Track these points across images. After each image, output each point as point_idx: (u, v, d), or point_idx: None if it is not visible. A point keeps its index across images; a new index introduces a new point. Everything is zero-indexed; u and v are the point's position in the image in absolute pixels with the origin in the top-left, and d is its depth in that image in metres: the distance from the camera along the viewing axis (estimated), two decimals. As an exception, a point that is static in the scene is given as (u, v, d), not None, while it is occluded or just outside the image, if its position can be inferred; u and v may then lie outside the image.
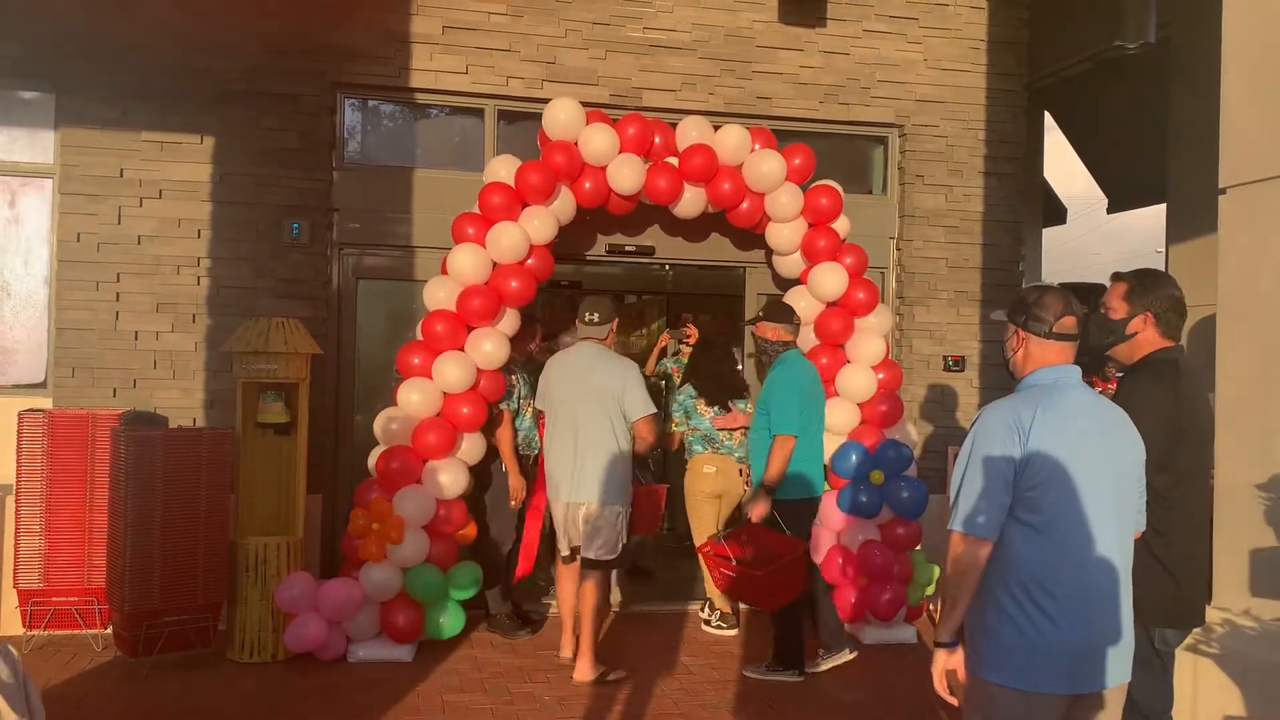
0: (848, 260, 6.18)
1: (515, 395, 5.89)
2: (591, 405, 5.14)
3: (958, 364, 7.12)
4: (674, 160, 5.96)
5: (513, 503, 5.85)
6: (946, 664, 2.72)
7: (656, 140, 6.00)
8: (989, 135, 7.22)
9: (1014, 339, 2.83)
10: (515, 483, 5.81)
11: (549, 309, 8.88)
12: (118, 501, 5.12)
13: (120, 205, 5.99)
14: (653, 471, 6.95)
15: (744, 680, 5.27)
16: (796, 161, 6.13)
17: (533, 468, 5.98)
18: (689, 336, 7.26)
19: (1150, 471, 2.85)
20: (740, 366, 6.92)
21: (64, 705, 4.57)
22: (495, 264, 5.70)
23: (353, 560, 5.48)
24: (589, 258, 6.87)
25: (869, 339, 6.19)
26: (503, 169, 5.82)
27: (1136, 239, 22.71)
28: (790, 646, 5.29)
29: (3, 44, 5.88)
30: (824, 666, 5.43)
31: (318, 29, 6.21)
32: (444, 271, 5.77)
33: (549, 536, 6.04)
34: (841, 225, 6.25)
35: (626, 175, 5.81)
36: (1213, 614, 4.05)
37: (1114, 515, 2.67)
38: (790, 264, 6.35)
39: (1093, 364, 5.43)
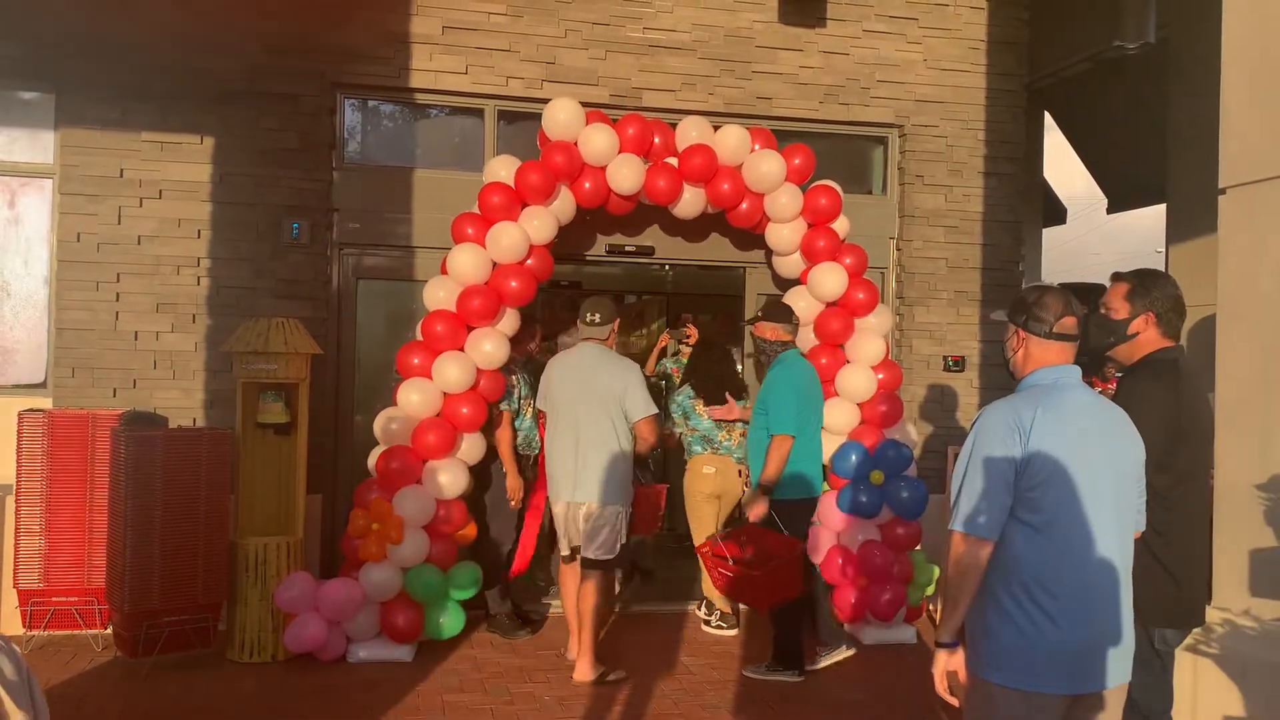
0: (847, 260, 6.18)
1: (515, 395, 5.89)
2: (593, 405, 5.15)
3: (958, 364, 7.12)
4: (674, 160, 5.96)
5: (511, 503, 5.85)
6: (947, 664, 2.72)
7: (656, 140, 6.00)
8: (989, 135, 7.22)
9: (1014, 339, 2.84)
10: (513, 483, 5.82)
11: (549, 309, 8.88)
12: (118, 501, 5.12)
13: (120, 205, 5.99)
14: (653, 471, 6.95)
15: (744, 680, 5.28)
16: (796, 162, 6.13)
17: (533, 467, 5.99)
18: (689, 337, 7.26)
19: (1150, 471, 2.85)
20: (740, 367, 6.92)
21: (64, 705, 4.57)
22: (495, 264, 5.70)
23: (353, 560, 5.48)
24: (589, 258, 6.87)
25: (869, 339, 6.19)
26: (502, 169, 5.82)
27: (1136, 239, 22.72)
28: (790, 646, 5.29)
29: (3, 44, 5.88)
30: (823, 664, 5.45)
31: (318, 29, 6.22)
32: (444, 271, 5.77)
33: (548, 536, 6.05)
34: (841, 225, 6.25)
35: (626, 175, 5.81)
36: (1212, 614, 4.05)
37: (1114, 515, 2.67)
38: (790, 264, 6.35)
39: (1092, 364, 5.42)
